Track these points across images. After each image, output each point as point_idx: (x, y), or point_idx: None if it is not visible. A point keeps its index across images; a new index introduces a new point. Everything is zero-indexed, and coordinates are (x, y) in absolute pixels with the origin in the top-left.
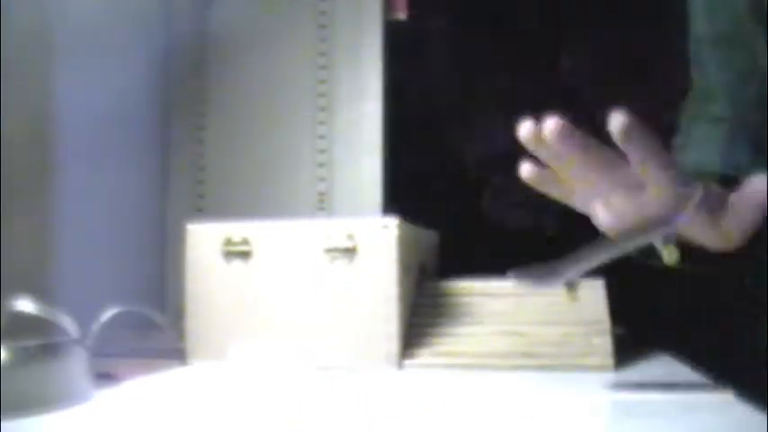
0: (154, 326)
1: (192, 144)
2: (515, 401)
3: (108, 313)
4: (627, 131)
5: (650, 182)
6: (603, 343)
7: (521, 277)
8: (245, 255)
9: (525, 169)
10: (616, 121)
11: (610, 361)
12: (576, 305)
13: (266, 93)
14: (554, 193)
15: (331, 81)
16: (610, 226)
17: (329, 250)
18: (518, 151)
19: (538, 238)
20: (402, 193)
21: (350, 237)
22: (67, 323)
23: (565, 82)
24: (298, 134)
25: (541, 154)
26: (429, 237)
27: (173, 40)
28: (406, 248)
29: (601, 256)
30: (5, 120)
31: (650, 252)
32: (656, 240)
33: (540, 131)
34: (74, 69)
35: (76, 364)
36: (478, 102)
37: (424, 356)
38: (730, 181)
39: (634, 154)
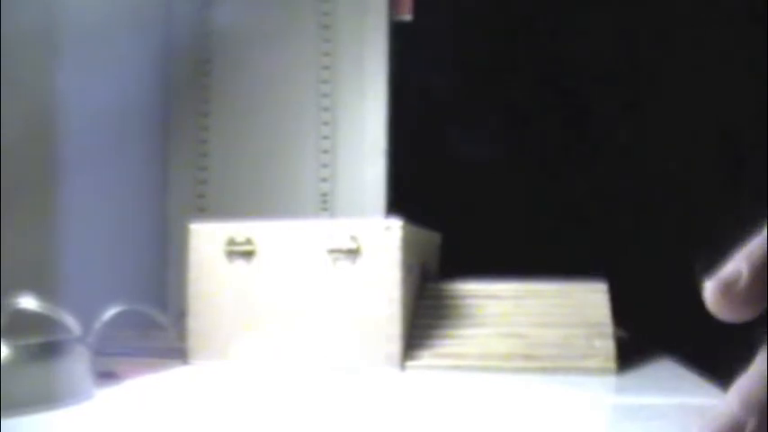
0: (156, 325)
1: (194, 143)
2: (516, 404)
3: (110, 312)
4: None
5: None
6: (605, 346)
7: None
8: (248, 254)
9: None
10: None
11: (612, 364)
12: (578, 307)
13: (269, 93)
14: None
15: (334, 81)
16: None
17: (332, 251)
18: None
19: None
20: (406, 194)
21: (353, 238)
22: (70, 321)
23: (568, 82)
24: (301, 134)
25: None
26: (432, 238)
27: (174, 39)
28: (410, 250)
29: None
30: (6, 119)
31: None
32: None
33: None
34: (75, 69)
35: (78, 363)
36: (483, 103)
37: (425, 358)
38: None
39: None
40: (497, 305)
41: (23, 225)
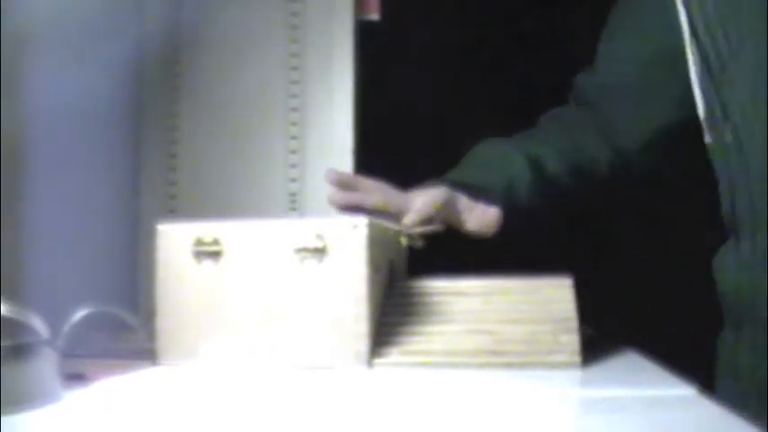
0: (125, 326)
1: (164, 145)
2: (484, 399)
3: (79, 314)
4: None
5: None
6: (571, 341)
7: None
8: (215, 254)
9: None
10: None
11: (577, 358)
12: (544, 303)
13: (239, 93)
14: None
15: (303, 82)
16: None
17: (299, 250)
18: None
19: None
20: None
21: (319, 237)
22: (38, 324)
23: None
24: (270, 135)
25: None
26: (399, 236)
27: (145, 40)
28: (376, 248)
29: None
30: None
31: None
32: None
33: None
34: (45, 70)
35: (46, 365)
36: (452, 102)
37: (393, 355)
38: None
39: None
40: (465, 302)
41: None
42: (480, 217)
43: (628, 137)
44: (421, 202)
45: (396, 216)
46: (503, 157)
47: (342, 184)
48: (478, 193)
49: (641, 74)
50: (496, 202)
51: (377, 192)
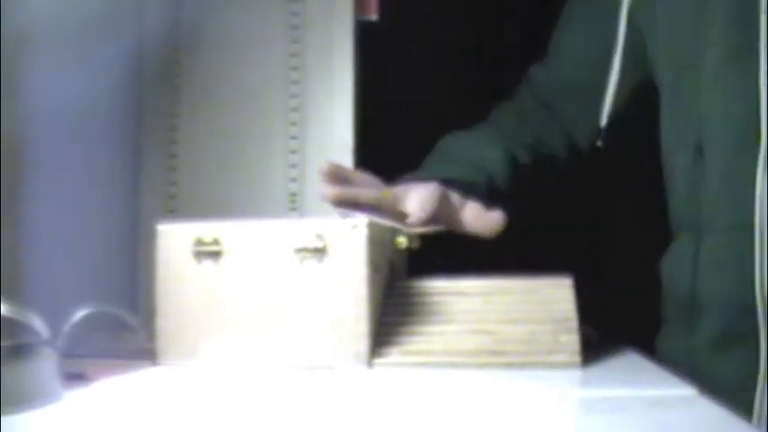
0: (125, 326)
1: (164, 144)
2: (484, 399)
3: (79, 314)
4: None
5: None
6: (571, 341)
7: None
8: (215, 255)
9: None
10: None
11: (577, 358)
12: (544, 303)
13: (239, 93)
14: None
15: (303, 82)
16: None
17: (299, 250)
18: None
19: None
20: None
21: (319, 237)
22: (38, 324)
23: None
24: (270, 135)
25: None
26: (397, 237)
27: (145, 40)
28: (376, 248)
29: None
30: None
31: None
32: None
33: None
34: (45, 70)
35: (47, 365)
36: (452, 102)
37: (393, 355)
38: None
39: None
40: (465, 302)
41: None
42: (479, 217)
43: (581, 133)
44: (420, 200)
45: (389, 212)
46: (480, 151)
47: (335, 177)
48: (466, 189)
49: (594, 73)
50: (481, 198)
51: (371, 187)
